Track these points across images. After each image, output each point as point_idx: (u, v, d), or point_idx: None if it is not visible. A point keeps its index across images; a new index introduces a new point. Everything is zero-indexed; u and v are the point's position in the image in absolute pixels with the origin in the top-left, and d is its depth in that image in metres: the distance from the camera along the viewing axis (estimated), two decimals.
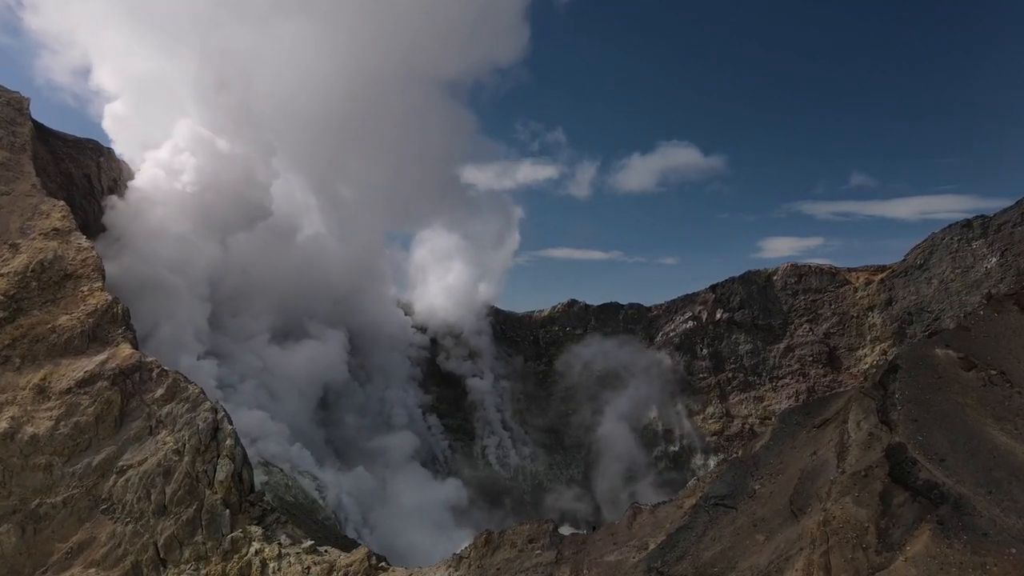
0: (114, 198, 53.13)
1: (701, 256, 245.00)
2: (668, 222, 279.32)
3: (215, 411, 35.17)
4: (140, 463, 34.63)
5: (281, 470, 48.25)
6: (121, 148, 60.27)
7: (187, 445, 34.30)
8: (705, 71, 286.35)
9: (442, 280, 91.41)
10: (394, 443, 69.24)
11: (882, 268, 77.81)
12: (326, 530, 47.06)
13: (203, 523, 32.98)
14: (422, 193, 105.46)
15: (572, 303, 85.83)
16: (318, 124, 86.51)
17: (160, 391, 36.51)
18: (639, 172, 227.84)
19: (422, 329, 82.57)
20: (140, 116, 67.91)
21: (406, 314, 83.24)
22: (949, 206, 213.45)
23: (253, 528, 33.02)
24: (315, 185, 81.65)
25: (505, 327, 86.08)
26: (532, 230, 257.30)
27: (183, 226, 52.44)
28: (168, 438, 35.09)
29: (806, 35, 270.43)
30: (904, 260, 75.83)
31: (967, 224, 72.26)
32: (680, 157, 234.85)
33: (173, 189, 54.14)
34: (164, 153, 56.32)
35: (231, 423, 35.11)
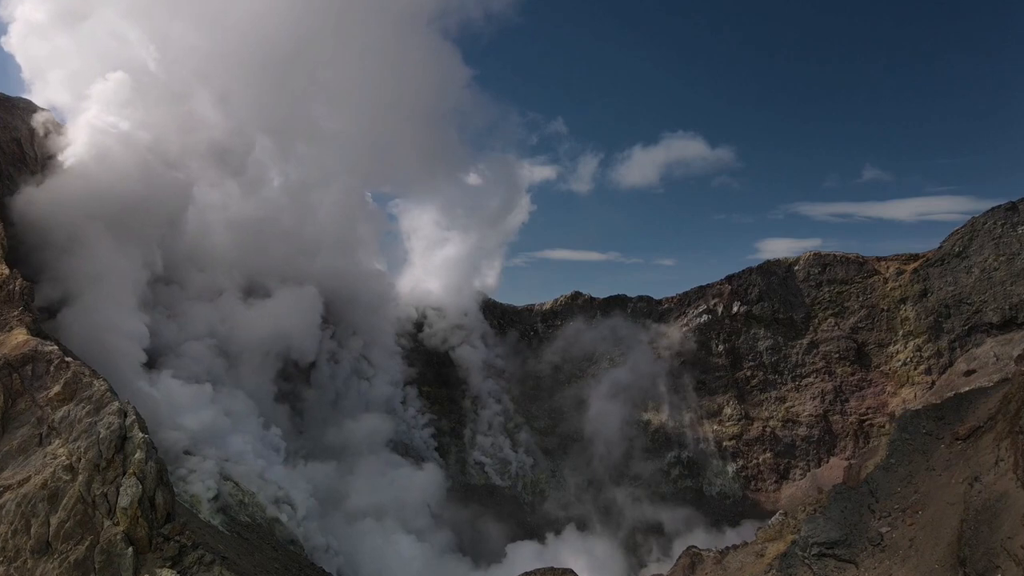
0: (45, 118, 43.28)
1: (699, 256, 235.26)
2: (667, 222, 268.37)
3: (123, 414, 25.74)
4: (21, 484, 25.17)
5: (236, 483, 38.60)
6: (31, 76, 48.83)
7: (83, 459, 24.87)
8: (712, 60, 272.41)
9: (432, 255, 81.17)
10: (369, 428, 58.90)
11: (915, 257, 68.76)
12: (287, 557, 37.46)
13: (97, 565, 23.50)
14: (405, 149, 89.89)
15: (576, 295, 76.50)
16: (273, 60, 68.49)
17: (56, 388, 27.09)
18: (642, 166, 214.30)
19: (415, 311, 72.43)
20: (58, 31, 52.02)
21: (393, 291, 72.95)
22: (947, 207, 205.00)
23: (165, 572, 23.51)
24: (276, 134, 66.32)
25: (503, 320, 76.62)
26: (530, 231, 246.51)
27: (137, 167, 42.23)
28: (61, 450, 25.68)
29: (812, 28, 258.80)
30: (940, 247, 66.74)
31: (1012, 207, 63.27)
32: (686, 149, 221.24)
33: (129, 124, 43.63)
34: (114, 82, 44.99)
35: (144, 431, 25.66)
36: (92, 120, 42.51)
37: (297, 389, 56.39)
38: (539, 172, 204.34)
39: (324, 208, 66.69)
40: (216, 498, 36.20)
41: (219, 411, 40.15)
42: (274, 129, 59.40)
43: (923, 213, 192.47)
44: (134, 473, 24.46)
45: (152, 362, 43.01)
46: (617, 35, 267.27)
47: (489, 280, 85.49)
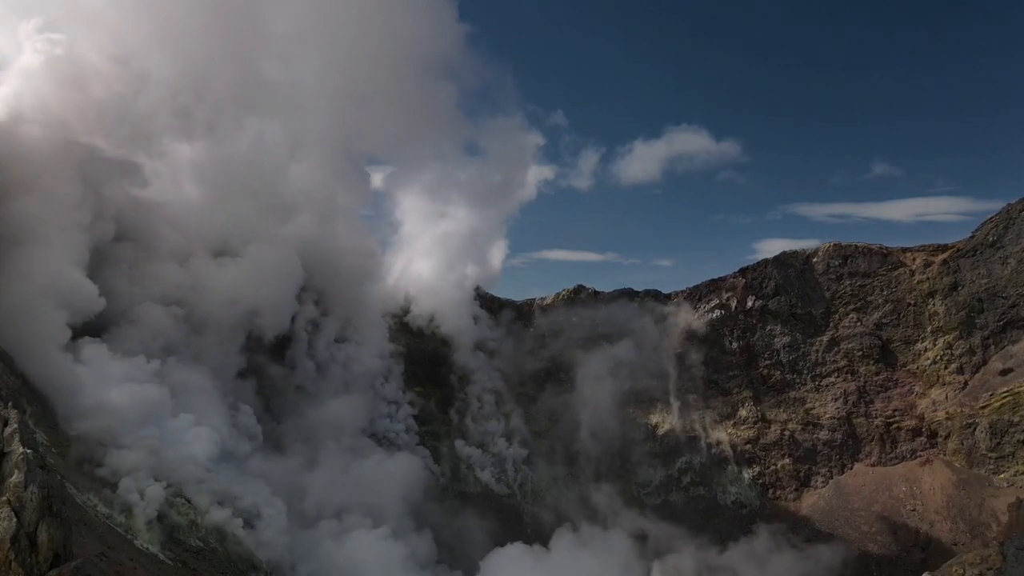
0: None
1: (697, 257, 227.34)
2: (665, 222, 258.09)
3: (2, 422, 19.08)
4: None
5: (187, 500, 31.64)
6: None
7: None
8: (717, 50, 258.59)
9: (425, 232, 72.75)
10: (348, 412, 51.27)
11: (943, 247, 62.56)
12: None
13: None
14: (392, 105, 75.18)
15: (579, 289, 69.85)
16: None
17: None
18: (643, 160, 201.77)
19: (404, 296, 65.13)
20: None
21: (381, 269, 65.41)
22: (945, 208, 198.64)
23: None
24: (248, 86, 54.55)
25: (500, 315, 69.70)
26: (528, 231, 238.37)
27: (92, 91, 35.47)
28: None
29: (821, 16, 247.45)
30: (972, 237, 60.61)
31: None
32: (689, 143, 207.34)
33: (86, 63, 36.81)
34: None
35: (29, 445, 18.94)
36: (33, 36, 35.41)
37: (263, 366, 48.69)
38: (538, 172, 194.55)
39: (301, 167, 58.34)
40: (160, 517, 29.31)
41: (165, 391, 33.19)
42: (245, 81, 50.70)
43: (921, 214, 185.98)
44: (8, 502, 17.69)
45: (102, 328, 36.54)
46: (619, 24, 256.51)
47: (493, 261, 77.08)
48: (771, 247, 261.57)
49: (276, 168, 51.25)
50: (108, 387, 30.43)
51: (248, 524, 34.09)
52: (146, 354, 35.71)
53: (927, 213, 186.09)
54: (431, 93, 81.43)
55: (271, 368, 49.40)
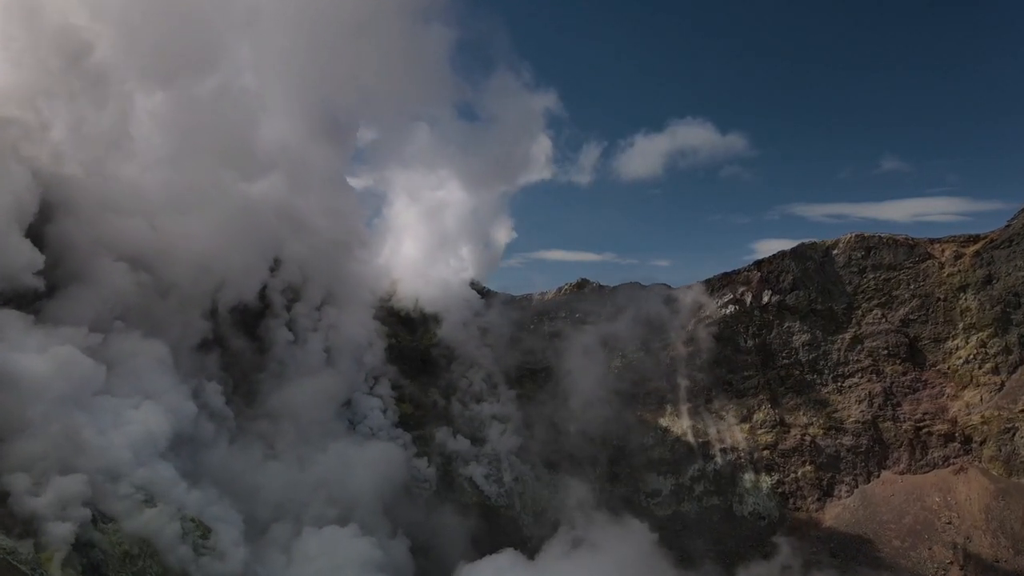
0: None
1: (694, 257, 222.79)
2: (664, 221, 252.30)
3: None
4: None
5: (112, 522, 25.52)
6: None
7: None
8: (723, 41, 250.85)
9: (411, 212, 66.35)
10: (326, 394, 45.47)
11: (975, 238, 57.51)
12: None
13: None
14: (364, 47, 65.85)
15: (583, 283, 64.47)
16: None
17: None
18: (645, 155, 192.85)
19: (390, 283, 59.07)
20: None
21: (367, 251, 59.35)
22: (943, 208, 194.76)
23: None
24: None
25: (494, 300, 63.76)
26: (526, 231, 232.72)
27: None
28: None
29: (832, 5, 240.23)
30: (1008, 226, 55.60)
31: None
32: (694, 137, 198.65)
33: None
34: None
35: None
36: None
37: (230, 336, 42.50)
38: (538, 173, 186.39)
39: (275, 121, 52.37)
40: (83, 544, 23.38)
41: (100, 366, 27.51)
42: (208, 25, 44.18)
43: (919, 214, 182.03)
44: None
45: (47, 292, 31.13)
46: (621, 13, 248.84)
47: (495, 242, 70.49)
48: (769, 247, 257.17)
49: (245, 121, 45.26)
50: (20, 359, 24.62)
51: (200, 535, 28.28)
52: (93, 321, 30.24)
53: (925, 213, 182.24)
54: (418, 37, 71.48)
55: (239, 340, 43.30)
